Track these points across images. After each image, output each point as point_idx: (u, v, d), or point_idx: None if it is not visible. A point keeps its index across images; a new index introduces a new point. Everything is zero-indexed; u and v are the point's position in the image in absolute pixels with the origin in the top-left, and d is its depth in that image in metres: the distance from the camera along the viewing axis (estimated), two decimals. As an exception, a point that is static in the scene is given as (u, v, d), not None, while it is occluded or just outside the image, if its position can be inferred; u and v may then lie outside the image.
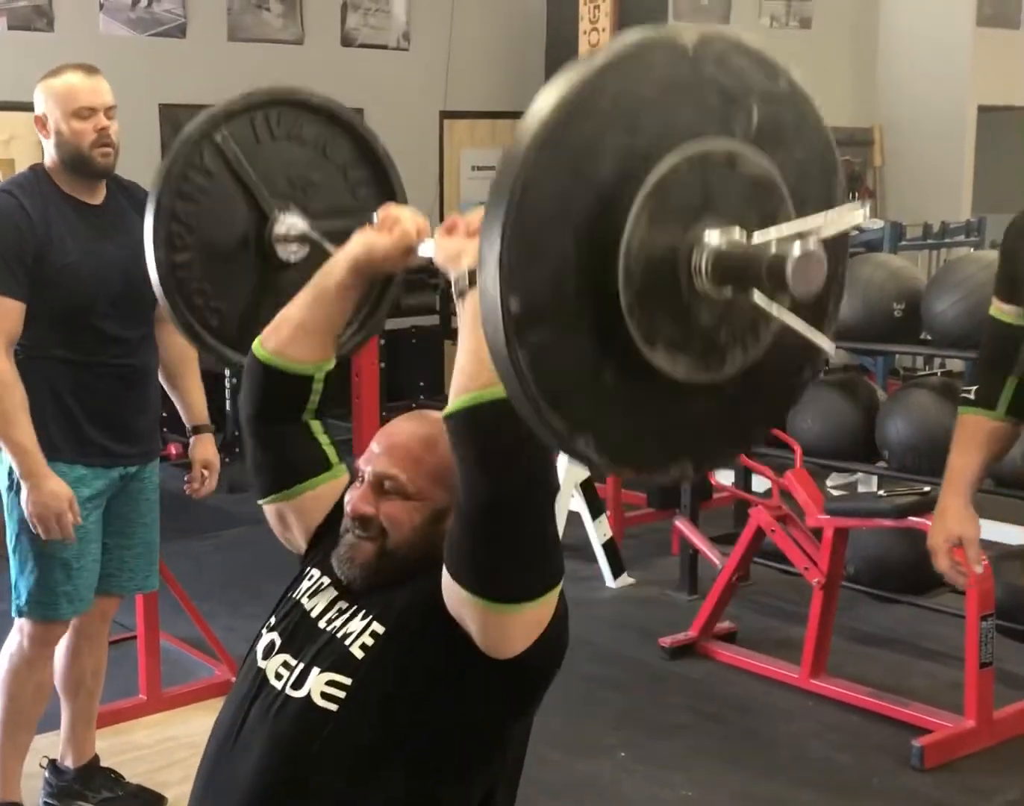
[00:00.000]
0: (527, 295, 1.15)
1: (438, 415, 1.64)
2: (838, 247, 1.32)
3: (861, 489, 5.73)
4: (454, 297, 1.46)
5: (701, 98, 1.22)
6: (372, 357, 3.63)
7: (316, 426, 1.83)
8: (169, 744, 3.75)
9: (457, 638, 1.51)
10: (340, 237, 1.87)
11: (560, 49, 8.93)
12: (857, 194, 9.53)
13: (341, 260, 1.77)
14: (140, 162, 7.88)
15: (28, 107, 8.40)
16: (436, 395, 7.97)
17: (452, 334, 8.55)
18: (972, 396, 2.46)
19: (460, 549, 1.46)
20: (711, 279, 1.19)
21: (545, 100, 1.17)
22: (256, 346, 1.79)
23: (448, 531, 1.49)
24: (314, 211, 2.05)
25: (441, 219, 8.62)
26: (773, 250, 1.16)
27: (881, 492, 4.18)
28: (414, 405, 7.53)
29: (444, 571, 1.49)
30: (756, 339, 1.26)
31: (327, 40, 8.35)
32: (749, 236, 1.20)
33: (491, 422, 1.37)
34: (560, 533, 4.43)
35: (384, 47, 8.58)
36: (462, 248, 1.48)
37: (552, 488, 1.43)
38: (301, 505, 1.80)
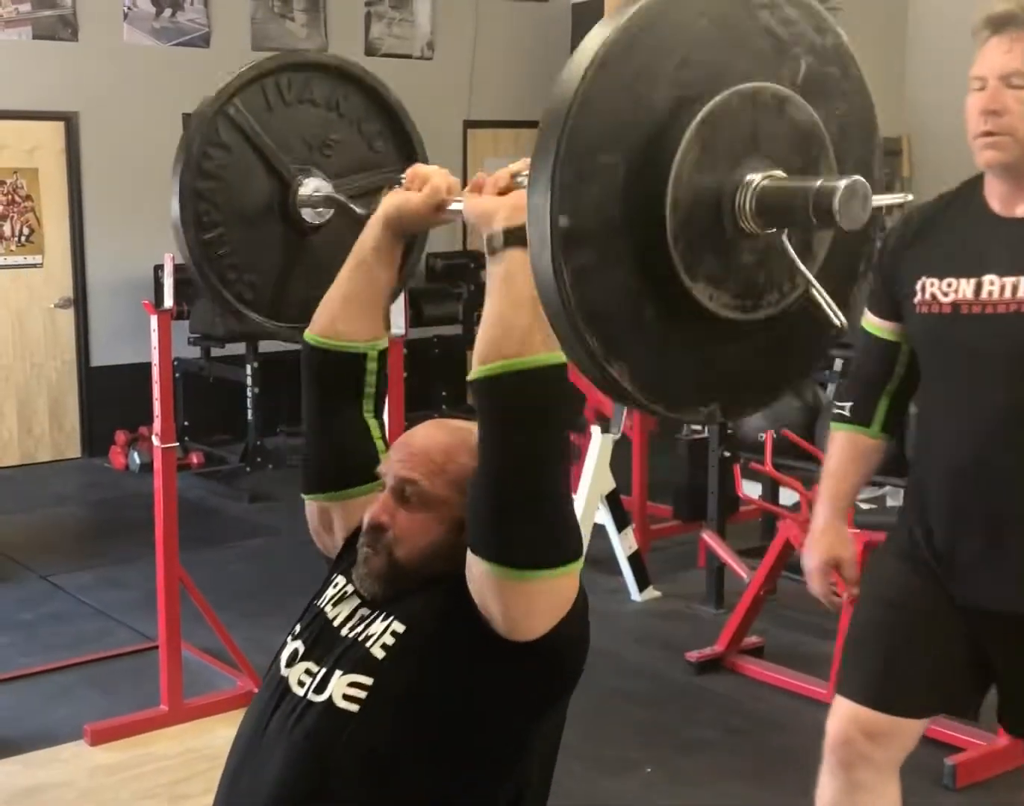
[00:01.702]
0: (576, 214, 1.16)
1: (459, 424, 1.64)
2: (872, 220, 1.32)
3: (890, 503, 5.67)
4: (486, 256, 1.46)
5: (754, 42, 1.25)
6: (397, 366, 3.59)
7: (375, 428, 1.81)
8: (190, 755, 3.72)
9: (479, 631, 1.50)
10: (364, 195, 1.90)
11: (584, 59, 8.92)
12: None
13: (374, 222, 1.77)
14: (164, 171, 7.90)
15: (53, 116, 8.46)
16: (459, 404, 7.95)
17: (474, 343, 8.52)
18: (847, 413, 2.42)
19: (478, 515, 1.46)
20: (755, 216, 1.21)
21: (605, 25, 1.18)
22: (307, 334, 1.79)
23: (467, 501, 1.49)
24: (335, 170, 2.07)
25: (465, 231, 8.62)
26: (818, 183, 1.18)
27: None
28: (436, 415, 7.49)
29: (468, 552, 1.48)
30: (792, 285, 1.27)
31: (351, 49, 8.33)
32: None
33: (511, 391, 1.40)
34: (586, 545, 4.38)
35: (408, 56, 8.58)
36: (495, 206, 1.48)
37: (566, 459, 1.45)
38: (348, 508, 1.78)
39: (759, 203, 1.21)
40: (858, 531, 3.94)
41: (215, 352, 7.64)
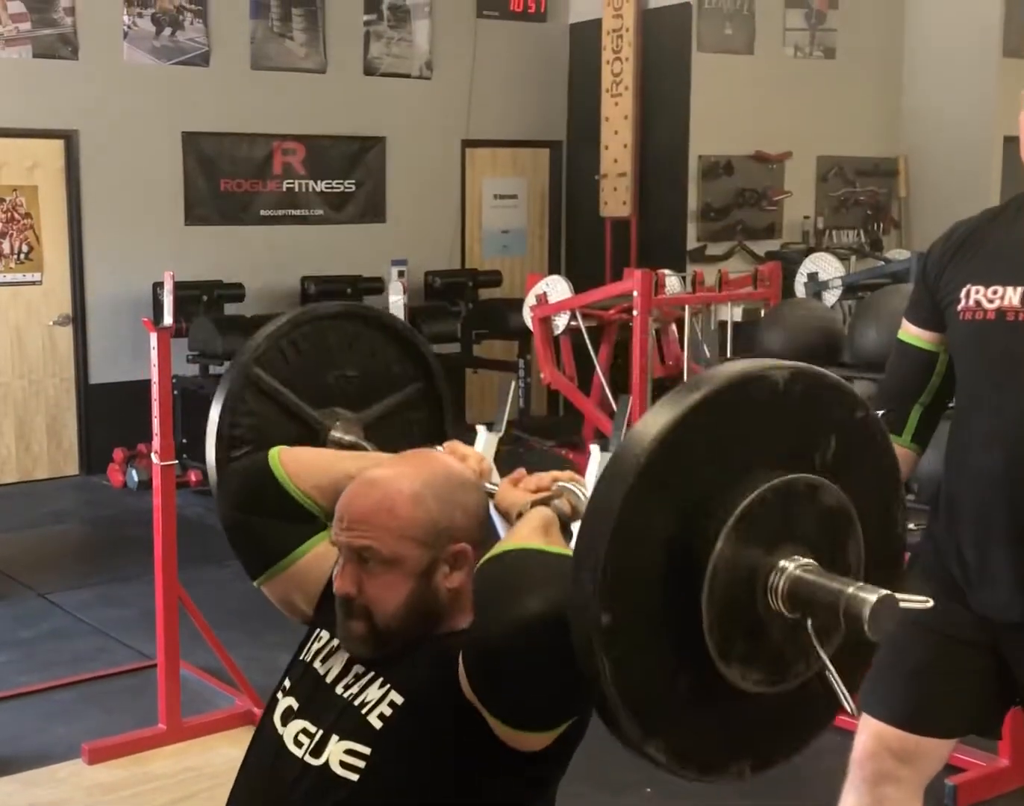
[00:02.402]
0: (617, 611, 1.24)
1: (386, 474, 1.61)
2: None
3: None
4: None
5: (786, 431, 1.33)
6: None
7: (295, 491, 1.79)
8: (189, 775, 3.71)
9: (476, 716, 1.48)
10: (389, 415, 2.12)
11: (583, 78, 8.95)
12: (882, 225, 9.50)
13: None
14: (163, 190, 7.94)
15: (53, 134, 8.47)
16: (457, 423, 7.93)
17: (472, 361, 8.53)
18: None
19: (476, 675, 1.45)
20: (786, 601, 1.29)
21: (647, 428, 1.26)
22: (276, 463, 1.79)
23: (466, 643, 1.47)
24: (358, 396, 2.19)
25: (463, 249, 8.61)
26: (850, 591, 1.26)
27: (911, 525, 4.12)
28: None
29: (461, 668, 1.47)
30: (818, 655, 1.33)
31: (350, 69, 8.38)
32: (823, 566, 1.30)
33: (505, 564, 1.47)
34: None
35: (407, 76, 8.60)
36: (524, 502, 1.61)
37: (561, 630, 1.40)
38: (301, 571, 1.77)
39: (791, 591, 1.28)
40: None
41: (213, 369, 7.63)
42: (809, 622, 1.29)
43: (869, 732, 2.34)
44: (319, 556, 1.74)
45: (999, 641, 2.26)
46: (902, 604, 1.28)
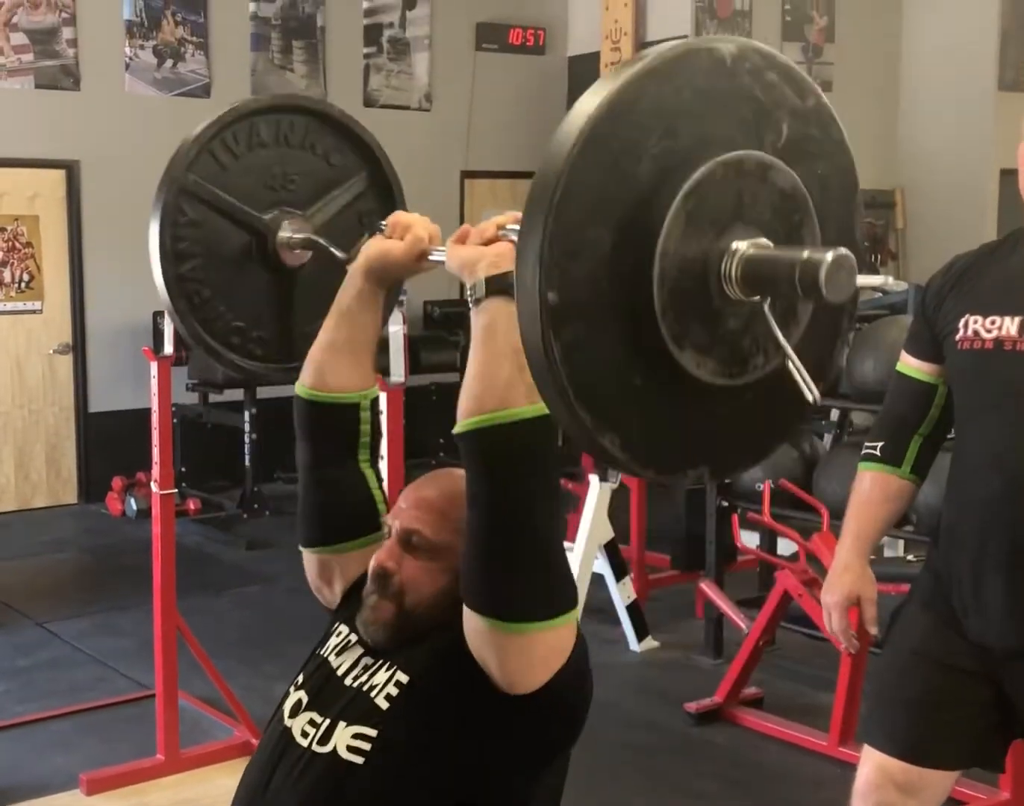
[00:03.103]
0: (565, 290, 1.18)
1: (463, 472, 1.62)
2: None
3: (888, 553, 5.66)
4: (469, 305, 1.47)
5: (736, 108, 1.26)
6: (397, 414, 3.59)
7: (372, 477, 1.81)
8: (187, 806, 3.70)
9: (481, 684, 1.50)
10: (340, 212, 1.97)
11: (582, 110, 9.00)
12: (879, 257, 9.53)
13: (355, 272, 1.78)
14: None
15: (54, 164, 8.50)
16: (455, 453, 7.93)
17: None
18: (877, 453, 2.43)
19: (471, 569, 1.47)
20: (740, 285, 1.22)
21: (589, 101, 1.19)
22: (297, 387, 1.79)
23: (461, 556, 1.50)
24: (303, 198, 2.08)
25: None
26: (805, 255, 1.18)
27: (910, 557, 4.13)
28: (434, 462, 7.49)
29: (464, 607, 1.49)
30: (776, 348, 1.27)
31: (350, 100, 8.41)
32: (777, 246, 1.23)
33: (494, 445, 1.42)
34: (584, 594, 4.37)
35: (406, 108, 8.65)
36: (477, 255, 1.49)
37: (557, 508, 1.46)
38: (347, 560, 1.78)
39: (745, 272, 1.22)
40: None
41: (213, 398, 7.65)
42: (766, 305, 1.23)
43: (872, 764, 2.34)
44: (365, 556, 1.73)
45: (998, 671, 2.26)
46: (861, 281, 1.21)
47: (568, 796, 1.70)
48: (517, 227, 1.41)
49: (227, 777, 3.76)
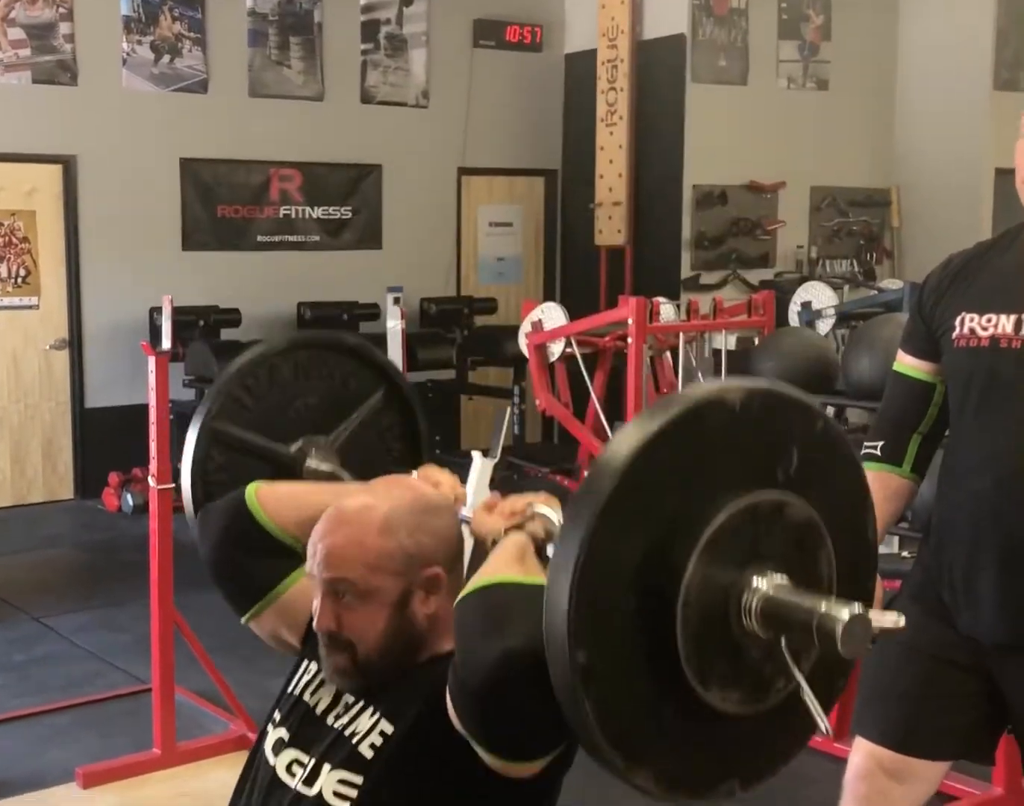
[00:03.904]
0: (592, 650, 1.24)
1: (354, 506, 1.62)
2: None
3: (883, 550, 5.68)
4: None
5: (747, 450, 1.32)
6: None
7: (261, 515, 1.80)
8: (183, 800, 3.71)
9: (466, 743, 1.48)
10: (359, 438, 2.11)
11: (578, 108, 9.02)
12: (875, 255, 9.55)
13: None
14: (161, 215, 7.98)
15: (51, 159, 8.49)
16: (451, 449, 7.96)
17: (468, 388, 8.55)
18: (878, 452, 2.44)
19: (461, 710, 1.45)
20: (759, 621, 1.29)
21: (606, 466, 1.25)
22: (252, 501, 1.79)
23: (450, 682, 1.46)
24: (322, 420, 2.18)
25: (459, 276, 8.61)
26: (823, 608, 1.26)
27: (905, 553, 4.14)
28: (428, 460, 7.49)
29: (448, 702, 1.47)
30: (801, 664, 1.33)
31: (347, 97, 8.43)
32: (794, 581, 1.30)
33: (475, 600, 1.46)
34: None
35: (403, 104, 8.65)
36: (498, 530, 1.60)
37: (538, 662, 1.38)
38: (286, 606, 1.78)
39: (764, 611, 1.28)
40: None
41: (209, 395, 7.65)
42: (783, 641, 1.28)
43: (862, 752, 2.36)
44: (303, 589, 1.73)
45: (988, 664, 2.28)
46: (875, 623, 1.27)
47: (567, 785, 1.71)
48: (543, 508, 1.56)
49: (223, 771, 3.77)
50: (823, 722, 1.30)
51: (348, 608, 1.59)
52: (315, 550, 1.61)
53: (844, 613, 1.24)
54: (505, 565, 1.50)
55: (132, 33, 7.66)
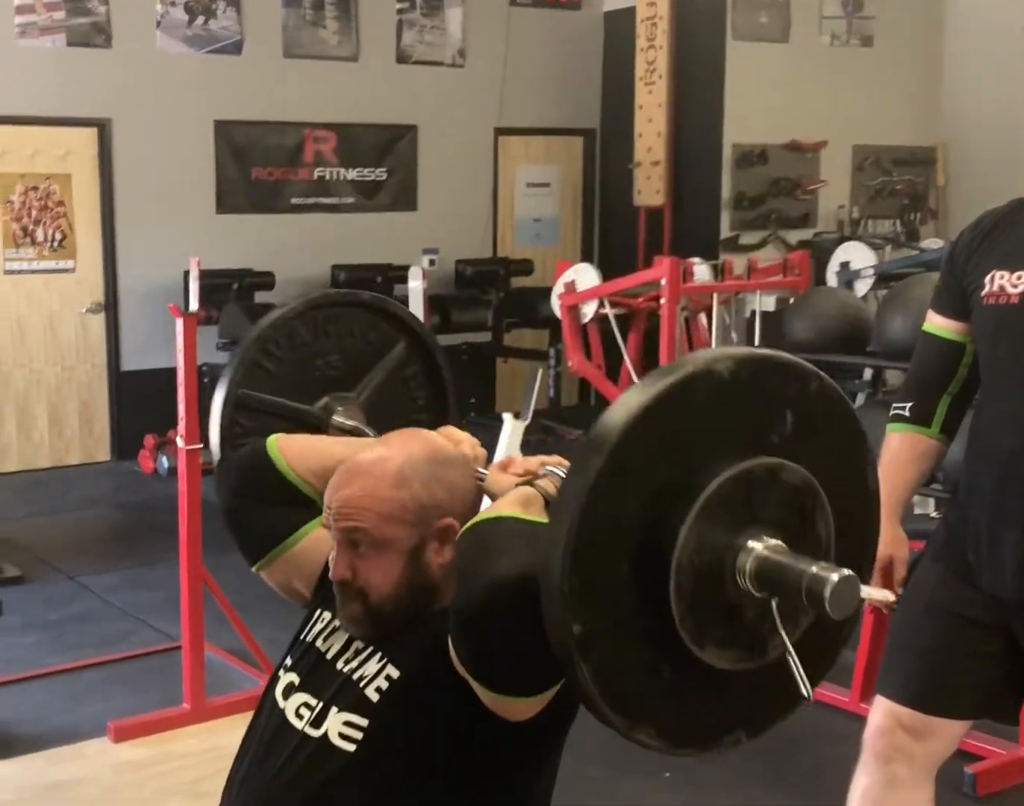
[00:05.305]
0: (588, 619, 1.27)
1: (370, 458, 1.64)
2: None
3: (917, 511, 5.63)
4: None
5: (740, 417, 1.33)
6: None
7: (281, 463, 1.82)
8: (212, 754, 3.74)
9: (469, 689, 1.49)
10: (385, 390, 2.14)
11: (617, 67, 8.93)
12: (919, 215, 9.41)
13: None
14: (195, 178, 7.98)
15: (85, 122, 8.50)
16: (487, 411, 7.96)
17: (503, 350, 8.53)
18: (907, 413, 2.42)
19: (457, 641, 1.47)
20: (753, 581, 1.31)
21: (594, 446, 1.27)
22: (275, 451, 1.81)
23: (449, 613, 1.48)
24: (348, 378, 2.20)
25: (495, 238, 8.55)
26: (813, 570, 1.28)
27: (936, 514, 4.10)
28: (465, 422, 7.50)
29: (450, 640, 1.48)
30: (795, 626, 1.35)
31: (382, 57, 8.39)
32: (791, 544, 1.32)
33: (471, 534, 1.48)
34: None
35: (439, 64, 8.60)
36: (510, 486, 1.59)
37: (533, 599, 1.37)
38: (298, 556, 1.80)
39: (757, 571, 1.30)
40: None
41: (245, 357, 7.67)
42: (774, 603, 1.31)
43: (882, 710, 2.35)
44: (316, 539, 1.76)
45: (1011, 622, 2.25)
46: (863, 593, 1.29)
47: (585, 747, 1.71)
48: (556, 468, 1.57)
49: (251, 727, 3.80)
50: (805, 687, 1.32)
51: (363, 558, 1.61)
52: (330, 501, 1.64)
53: (833, 576, 1.26)
54: (508, 505, 1.52)
55: (166, -5, 7.65)
